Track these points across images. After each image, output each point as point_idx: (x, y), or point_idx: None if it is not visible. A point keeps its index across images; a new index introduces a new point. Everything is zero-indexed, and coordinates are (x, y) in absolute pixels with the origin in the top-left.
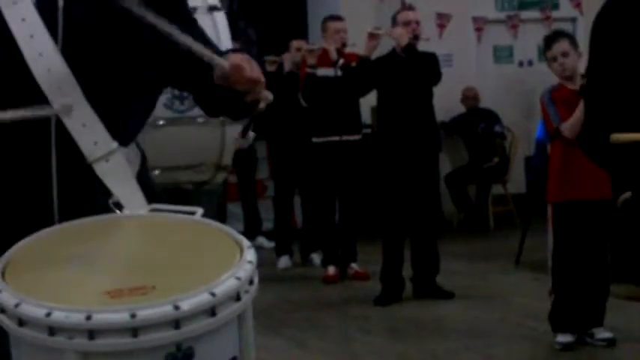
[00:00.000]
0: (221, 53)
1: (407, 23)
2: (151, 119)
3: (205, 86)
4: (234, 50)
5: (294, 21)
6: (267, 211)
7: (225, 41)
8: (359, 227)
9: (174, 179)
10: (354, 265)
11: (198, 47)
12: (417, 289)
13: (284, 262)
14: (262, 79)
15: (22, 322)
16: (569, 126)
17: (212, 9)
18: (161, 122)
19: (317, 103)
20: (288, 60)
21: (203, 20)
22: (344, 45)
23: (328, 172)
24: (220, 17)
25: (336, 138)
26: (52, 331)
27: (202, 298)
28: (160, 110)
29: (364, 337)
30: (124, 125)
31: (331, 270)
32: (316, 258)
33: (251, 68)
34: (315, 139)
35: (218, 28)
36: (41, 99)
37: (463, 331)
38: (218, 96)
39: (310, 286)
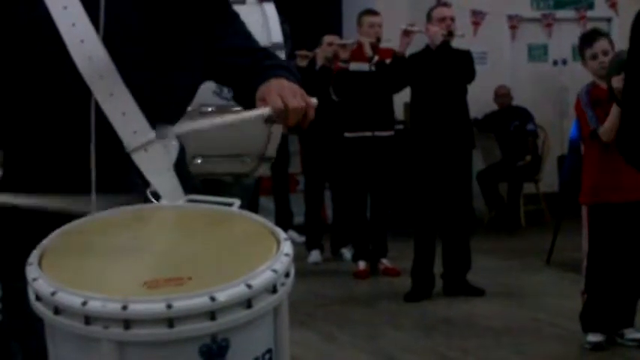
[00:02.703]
0: (261, 49)
1: (442, 19)
2: (198, 106)
3: (243, 84)
4: (278, 68)
5: (328, 16)
6: (299, 205)
7: (275, 34)
8: (390, 223)
9: (216, 169)
10: (384, 261)
11: (232, 118)
12: (448, 286)
13: (315, 256)
14: (312, 106)
15: (57, 310)
16: (606, 130)
17: (262, 0)
18: (209, 109)
19: (348, 98)
20: (320, 55)
21: (253, 11)
22: (379, 39)
23: (360, 168)
24: (270, 8)
25: (369, 134)
26: (88, 320)
27: (238, 290)
28: (209, 97)
29: (394, 333)
30: (163, 115)
31: (362, 265)
32: (347, 253)
33: (293, 100)
34: (347, 134)
35: (268, 19)
36: (82, 87)
37: (493, 329)
38: (248, 97)
39: (340, 281)
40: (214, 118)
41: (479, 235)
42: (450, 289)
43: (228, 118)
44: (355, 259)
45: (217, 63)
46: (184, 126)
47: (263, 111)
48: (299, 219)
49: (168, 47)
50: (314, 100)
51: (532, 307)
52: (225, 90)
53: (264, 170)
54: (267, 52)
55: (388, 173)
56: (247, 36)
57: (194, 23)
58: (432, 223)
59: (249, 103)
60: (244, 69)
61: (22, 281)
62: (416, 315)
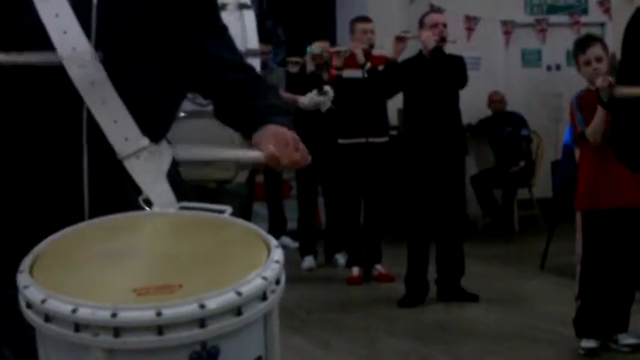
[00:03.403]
0: (250, 67)
1: (434, 26)
2: None
3: (231, 101)
4: (276, 109)
5: (322, 22)
6: (292, 211)
7: (251, 40)
8: (384, 228)
9: (196, 175)
10: (378, 267)
11: (228, 154)
12: (442, 292)
13: (308, 262)
14: (305, 161)
15: (48, 317)
16: (590, 131)
17: (242, 7)
18: (182, 114)
19: (343, 105)
20: (310, 61)
21: (232, 17)
22: (371, 46)
23: (354, 174)
24: (249, 15)
25: (363, 140)
26: (78, 327)
27: (228, 297)
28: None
29: (388, 339)
30: (155, 122)
31: (355, 271)
32: (340, 259)
33: (290, 153)
34: (341, 141)
35: (245, 26)
36: (74, 94)
37: (487, 334)
38: (234, 114)
39: (334, 287)
40: (214, 148)
41: (473, 240)
42: (444, 295)
43: (225, 153)
44: (349, 264)
45: (205, 75)
46: (185, 151)
47: (255, 155)
48: (292, 225)
49: (160, 54)
50: (309, 158)
51: (526, 312)
52: (200, 96)
53: (244, 176)
54: (255, 73)
55: (382, 179)
56: (235, 50)
57: (186, 31)
58: (425, 228)
59: (233, 122)
60: (234, 85)
61: (13, 288)
62: (410, 321)
